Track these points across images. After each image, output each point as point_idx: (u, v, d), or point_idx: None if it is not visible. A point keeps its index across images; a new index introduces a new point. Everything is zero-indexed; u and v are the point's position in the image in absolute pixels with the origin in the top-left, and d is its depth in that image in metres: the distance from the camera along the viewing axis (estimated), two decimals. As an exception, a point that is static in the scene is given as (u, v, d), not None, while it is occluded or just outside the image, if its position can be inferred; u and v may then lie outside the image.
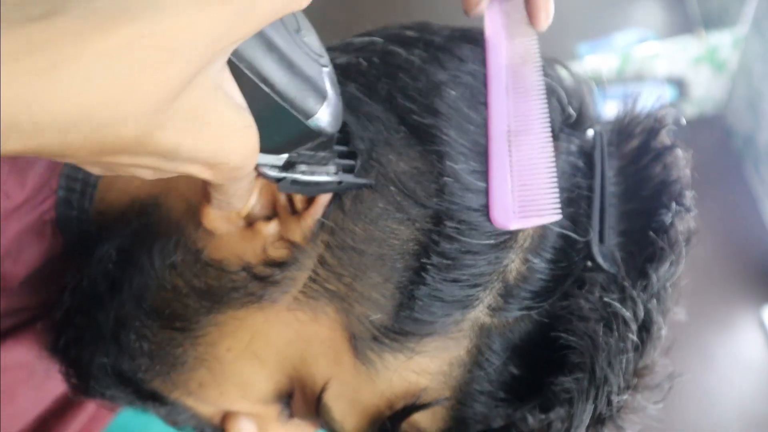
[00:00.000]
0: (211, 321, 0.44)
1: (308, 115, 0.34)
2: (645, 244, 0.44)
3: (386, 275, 0.42)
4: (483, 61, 0.45)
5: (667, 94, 2.08)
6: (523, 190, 0.42)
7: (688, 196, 0.45)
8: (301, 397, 0.46)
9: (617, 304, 0.41)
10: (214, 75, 0.29)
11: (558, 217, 0.42)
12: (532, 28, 0.46)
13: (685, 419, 1.80)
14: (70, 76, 0.23)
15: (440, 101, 0.42)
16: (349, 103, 0.43)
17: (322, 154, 0.39)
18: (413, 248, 0.42)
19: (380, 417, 0.44)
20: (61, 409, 0.56)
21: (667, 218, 0.44)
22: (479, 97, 0.44)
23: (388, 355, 0.43)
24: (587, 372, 0.41)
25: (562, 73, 0.47)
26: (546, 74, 0.45)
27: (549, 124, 0.43)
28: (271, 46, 0.32)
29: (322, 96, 0.34)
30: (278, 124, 0.34)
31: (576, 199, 0.44)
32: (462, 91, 0.43)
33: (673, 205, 0.44)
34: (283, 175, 0.39)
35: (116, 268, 0.45)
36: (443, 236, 0.41)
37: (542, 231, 0.43)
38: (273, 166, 0.38)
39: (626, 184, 0.46)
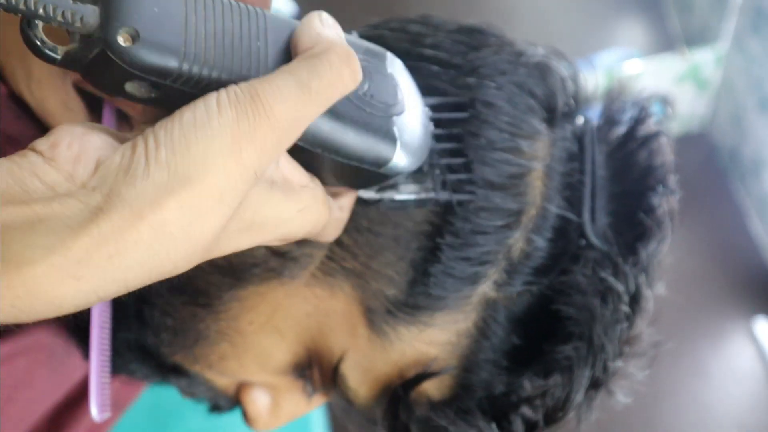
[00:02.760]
0: (233, 296, 0.47)
1: (380, 165, 0.36)
2: (634, 223, 0.47)
3: (401, 254, 0.45)
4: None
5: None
6: (103, 387, 0.49)
7: (672, 179, 0.49)
8: (318, 368, 0.48)
9: (612, 278, 0.45)
10: (267, 175, 0.33)
11: (106, 417, 0.47)
12: None
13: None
14: (128, 260, 0.26)
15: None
16: None
17: (417, 174, 0.42)
18: (427, 229, 0.45)
19: (392, 385, 0.47)
20: (82, 393, 0.58)
21: (655, 200, 0.48)
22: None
23: (401, 327, 0.46)
24: (586, 341, 0.44)
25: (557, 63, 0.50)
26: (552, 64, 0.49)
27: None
28: (328, 122, 0.34)
29: (392, 145, 0.36)
30: (359, 174, 0.37)
31: (572, 183, 0.47)
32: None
33: (660, 187, 0.48)
34: (379, 196, 0.42)
35: None
36: (458, 217, 0.44)
37: (543, 212, 0.46)
38: (369, 191, 0.42)
39: (614, 168, 0.49)
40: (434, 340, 0.46)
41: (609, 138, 0.50)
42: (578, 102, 0.50)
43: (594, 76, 0.52)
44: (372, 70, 0.37)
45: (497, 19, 0.56)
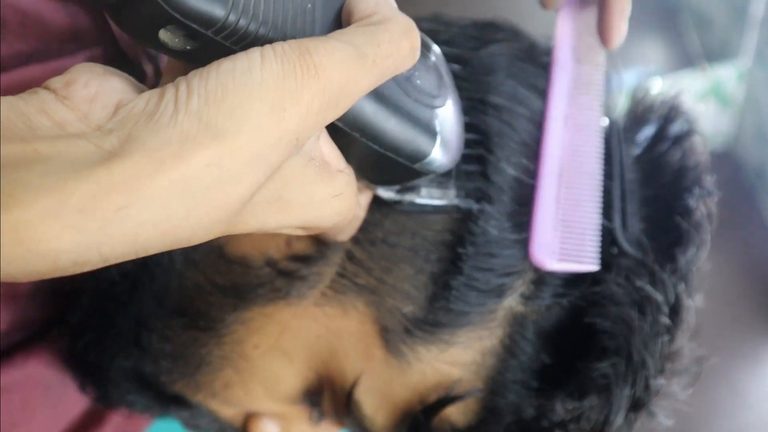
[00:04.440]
0: (237, 318, 0.43)
1: (416, 160, 0.34)
2: (670, 228, 0.44)
3: (419, 267, 0.41)
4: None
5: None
6: (567, 230, 0.41)
7: (709, 180, 0.46)
8: (330, 394, 0.45)
9: (649, 287, 0.41)
10: (305, 150, 0.29)
11: (595, 268, 0.41)
12: (601, 51, 0.46)
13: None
14: (140, 215, 0.23)
15: (494, 98, 0.42)
16: None
17: (441, 179, 0.39)
18: (447, 238, 0.41)
19: (412, 411, 0.43)
20: (82, 428, 0.55)
21: (691, 202, 0.44)
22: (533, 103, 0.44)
23: (420, 347, 0.42)
24: (624, 356, 0.40)
25: None
26: None
27: (602, 165, 0.43)
28: (372, 103, 0.31)
29: (432, 138, 0.33)
30: (391, 169, 0.34)
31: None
32: (515, 85, 0.43)
33: (696, 189, 0.45)
34: (399, 198, 0.39)
35: (136, 268, 0.44)
36: (480, 225, 0.41)
37: None
38: (390, 192, 0.38)
39: (645, 171, 0.46)
40: (457, 360, 0.42)
41: (637, 139, 0.47)
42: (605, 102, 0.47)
43: (615, 96, 0.49)
44: (421, 59, 0.34)
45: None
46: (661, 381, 0.41)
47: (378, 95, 0.31)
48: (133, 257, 0.24)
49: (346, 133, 0.31)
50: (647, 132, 0.47)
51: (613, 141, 0.46)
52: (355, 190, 0.33)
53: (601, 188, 0.43)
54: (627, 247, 0.43)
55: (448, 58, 0.43)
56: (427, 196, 0.39)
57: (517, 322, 0.42)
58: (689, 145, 0.46)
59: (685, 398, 0.45)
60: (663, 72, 2.11)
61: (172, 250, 0.43)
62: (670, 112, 0.47)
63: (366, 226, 0.41)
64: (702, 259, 0.44)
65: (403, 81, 0.33)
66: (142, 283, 0.45)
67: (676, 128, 0.47)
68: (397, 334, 0.42)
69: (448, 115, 0.35)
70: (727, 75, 2.02)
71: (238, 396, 0.45)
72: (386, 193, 0.39)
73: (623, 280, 0.41)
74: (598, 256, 0.42)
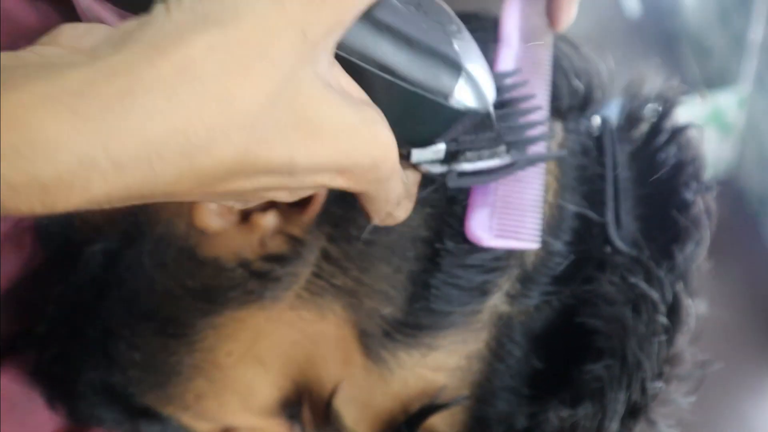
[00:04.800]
0: (208, 324, 0.41)
1: (446, 95, 0.31)
2: (666, 224, 0.42)
3: (397, 265, 0.39)
4: None
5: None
6: (505, 208, 0.39)
7: (706, 175, 0.44)
8: (309, 405, 0.42)
9: (644, 285, 0.39)
10: (321, 73, 0.26)
11: (536, 246, 0.39)
12: (550, 33, 0.44)
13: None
14: (146, 102, 0.21)
15: None
16: None
17: (486, 135, 0.35)
18: (425, 234, 0.39)
19: (395, 421, 0.41)
20: None
21: (688, 196, 0.42)
22: None
23: (401, 352, 0.40)
24: (618, 357, 0.38)
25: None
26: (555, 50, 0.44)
27: (546, 145, 0.41)
28: (382, 27, 0.29)
29: (456, 69, 0.31)
30: (417, 112, 0.31)
31: (589, 178, 0.42)
32: None
33: (693, 183, 0.43)
34: (446, 168, 0.35)
35: (103, 273, 0.42)
36: (458, 218, 0.39)
37: (558, 212, 0.41)
38: (434, 162, 0.35)
39: (639, 169, 0.44)
40: (441, 365, 0.40)
41: (631, 136, 0.45)
42: (591, 96, 0.45)
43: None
44: None
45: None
46: (659, 384, 0.39)
47: (379, 20, 0.29)
48: (148, 166, 0.22)
49: (363, 72, 0.29)
50: (642, 128, 0.45)
51: (606, 139, 0.44)
52: (387, 125, 0.29)
53: (544, 171, 0.40)
54: (620, 244, 0.41)
55: None
56: (476, 159, 0.36)
57: (503, 324, 0.40)
58: (685, 139, 0.44)
59: (688, 407, 0.43)
60: (641, 81, 2.10)
61: (140, 253, 0.41)
62: (665, 105, 0.45)
63: (341, 223, 0.39)
64: (701, 257, 0.42)
65: (409, 6, 0.30)
66: (110, 288, 0.42)
67: (670, 123, 0.45)
68: (377, 338, 0.40)
69: (469, 47, 0.32)
70: (727, 102, 2.01)
71: (212, 408, 0.43)
72: (434, 167, 0.35)
73: (617, 278, 0.39)
74: (539, 235, 0.39)
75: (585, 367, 0.38)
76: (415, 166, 0.35)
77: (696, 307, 0.42)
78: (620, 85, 0.48)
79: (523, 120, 0.38)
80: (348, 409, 0.40)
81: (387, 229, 0.39)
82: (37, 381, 0.47)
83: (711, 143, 2.12)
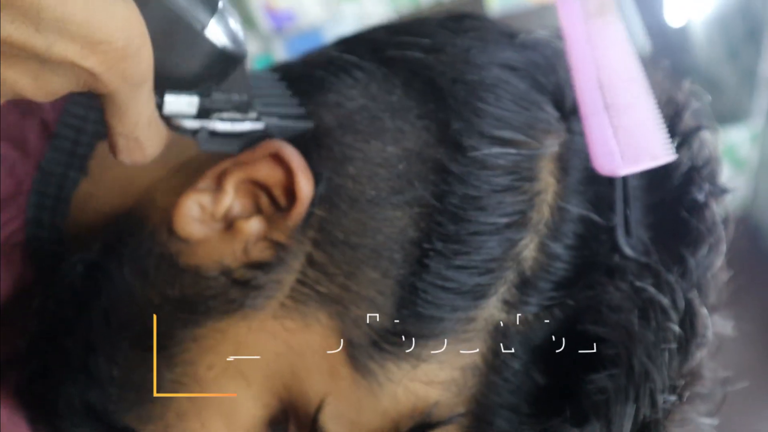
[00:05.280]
0: (188, 335, 0.39)
1: (202, 24, 0.31)
2: (678, 228, 0.40)
3: (384, 269, 0.37)
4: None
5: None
6: (626, 133, 0.37)
7: (721, 178, 0.42)
8: (295, 421, 0.40)
9: (652, 289, 0.37)
10: None
11: (673, 157, 0.37)
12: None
13: None
14: None
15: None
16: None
17: (239, 97, 0.36)
18: (413, 235, 0.37)
19: None
20: None
21: (701, 197, 0.40)
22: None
23: (390, 364, 0.37)
24: (624, 366, 0.35)
25: None
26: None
27: (640, 66, 0.39)
28: None
29: (212, 4, 0.32)
30: (172, 37, 0.31)
31: (596, 180, 0.40)
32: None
33: (706, 185, 0.40)
34: (199, 124, 0.35)
35: (85, 285, 0.41)
36: (447, 216, 0.37)
37: (560, 213, 0.38)
38: (186, 117, 0.35)
39: (650, 176, 0.42)
40: (433, 379, 0.37)
41: None
42: None
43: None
44: None
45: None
46: (671, 398, 0.36)
47: None
48: None
49: None
50: None
51: None
52: (145, 27, 0.29)
53: (647, 83, 0.38)
54: (628, 250, 0.38)
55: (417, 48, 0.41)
56: (229, 121, 0.36)
57: (500, 334, 0.37)
58: (699, 142, 0.42)
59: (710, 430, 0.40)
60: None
61: (121, 262, 0.40)
62: (677, 107, 0.43)
63: (325, 226, 0.38)
64: (717, 264, 0.40)
65: None
66: (90, 301, 0.40)
67: (683, 126, 0.43)
68: (365, 348, 0.37)
69: (229, 6, 0.33)
70: (740, 137, 2.00)
71: (194, 428, 0.40)
72: (186, 122, 0.35)
73: (624, 284, 0.37)
74: (670, 147, 0.37)
75: (588, 377, 0.36)
76: (167, 121, 0.34)
77: (720, 326, 0.40)
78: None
79: None
80: (335, 426, 0.38)
81: (373, 232, 0.37)
82: (19, 401, 0.45)
83: (724, 179, 2.10)
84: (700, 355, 0.38)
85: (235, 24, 0.34)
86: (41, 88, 0.28)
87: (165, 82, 0.32)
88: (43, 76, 0.27)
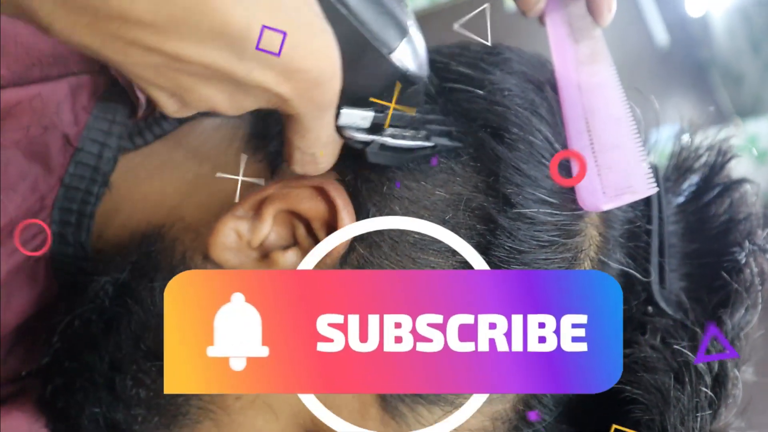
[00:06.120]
0: None
1: (389, 48, 0.32)
2: (715, 286, 0.39)
3: None
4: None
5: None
6: (608, 170, 0.38)
7: (761, 235, 0.41)
8: None
9: (689, 353, 0.36)
10: None
11: (654, 190, 0.37)
12: (598, 29, 0.43)
13: None
14: None
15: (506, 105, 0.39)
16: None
17: (411, 116, 0.37)
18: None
19: None
20: None
21: (740, 257, 0.39)
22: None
23: (422, 408, 0.37)
24: (657, 431, 0.35)
25: None
26: None
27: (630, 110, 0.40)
28: None
29: (402, 29, 0.32)
30: (358, 57, 0.32)
31: (635, 233, 0.40)
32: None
33: (746, 243, 0.40)
34: (371, 138, 0.36)
35: (113, 305, 0.40)
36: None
37: (600, 268, 0.38)
38: (359, 129, 0.35)
39: (687, 223, 0.42)
40: (464, 426, 0.37)
41: (680, 188, 0.43)
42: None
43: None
44: None
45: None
46: None
47: None
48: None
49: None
50: (692, 179, 0.43)
51: None
52: (338, 52, 0.30)
53: (636, 128, 0.39)
54: (664, 305, 0.38)
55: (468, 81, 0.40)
56: (399, 137, 0.37)
57: None
58: (739, 194, 0.42)
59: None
60: (696, 130, 2.07)
61: (152, 287, 0.39)
62: (718, 156, 0.43)
63: (364, 265, 0.37)
64: (752, 323, 0.39)
65: None
66: (119, 322, 0.40)
67: (724, 176, 0.42)
68: None
69: (417, 29, 0.34)
70: (762, 129, 1.97)
71: None
72: (358, 134, 0.36)
73: (659, 343, 0.37)
74: (653, 180, 0.37)
75: None
76: (340, 131, 0.35)
77: (743, 374, 0.40)
78: (656, 116, 0.46)
79: None
80: None
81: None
82: (41, 415, 0.45)
83: (746, 171, 2.07)
84: (728, 415, 0.38)
85: (421, 46, 0.34)
86: (233, 105, 0.29)
87: (343, 97, 0.32)
88: (237, 95, 0.29)
